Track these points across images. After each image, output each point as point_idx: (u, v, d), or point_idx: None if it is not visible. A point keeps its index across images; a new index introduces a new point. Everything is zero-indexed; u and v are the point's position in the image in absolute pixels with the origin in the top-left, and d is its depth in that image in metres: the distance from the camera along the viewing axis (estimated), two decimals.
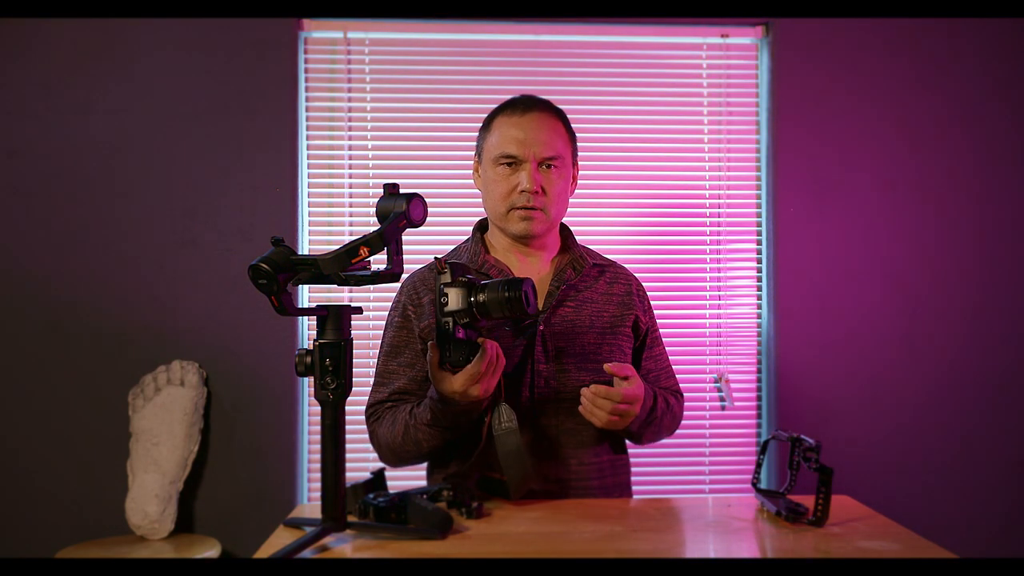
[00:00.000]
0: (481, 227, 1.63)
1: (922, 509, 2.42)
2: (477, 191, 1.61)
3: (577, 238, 1.67)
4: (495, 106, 1.58)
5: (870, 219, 2.44)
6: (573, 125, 1.59)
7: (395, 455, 1.50)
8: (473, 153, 1.62)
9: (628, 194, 2.46)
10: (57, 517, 2.30)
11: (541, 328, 1.50)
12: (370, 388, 1.58)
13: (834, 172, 2.43)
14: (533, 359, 1.49)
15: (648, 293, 1.67)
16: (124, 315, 2.31)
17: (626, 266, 1.69)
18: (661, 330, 1.70)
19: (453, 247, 1.67)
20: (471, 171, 1.65)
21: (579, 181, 1.63)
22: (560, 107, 1.59)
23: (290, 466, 2.34)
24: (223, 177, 2.34)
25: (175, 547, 2.12)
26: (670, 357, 1.69)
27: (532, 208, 1.50)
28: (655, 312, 1.69)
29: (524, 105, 1.54)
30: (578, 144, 1.62)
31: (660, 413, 1.52)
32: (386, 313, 1.64)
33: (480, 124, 1.60)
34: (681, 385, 1.69)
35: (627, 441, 1.61)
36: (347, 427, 1.18)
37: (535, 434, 1.48)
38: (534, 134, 1.50)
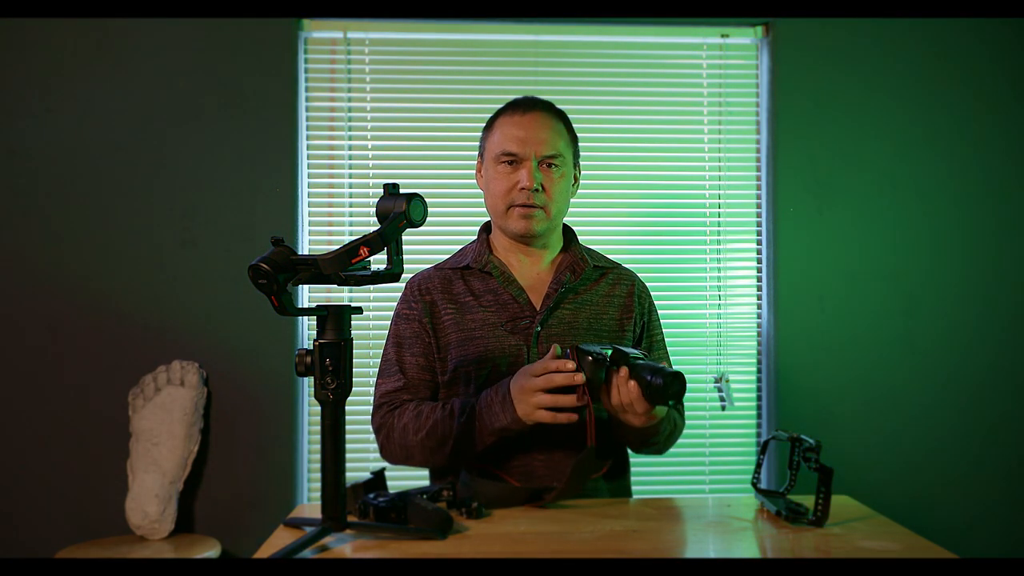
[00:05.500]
0: (487, 228, 1.64)
1: (922, 509, 2.42)
2: (477, 191, 1.62)
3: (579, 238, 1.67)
4: (495, 106, 1.60)
5: (870, 219, 2.44)
6: (574, 125, 1.60)
7: (406, 451, 1.47)
8: (476, 153, 1.63)
9: (628, 194, 2.46)
10: (57, 517, 2.30)
11: (538, 329, 1.50)
12: (375, 379, 1.57)
13: (834, 172, 2.43)
14: (528, 359, 1.48)
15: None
16: (124, 315, 2.31)
17: (628, 267, 1.69)
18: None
19: (459, 248, 1.67)
20: (472, 171, 1.66)
21: (580, 181, 1.64)
22: (562, 108, 1.60)
23: (290, 466, 2.34)
24: (223, 177, 2.34)
25: (175, 547, 2.13)
26: (671, 357, 1.68)
27: (532, 206, 1.50)
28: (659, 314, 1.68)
29: (525, 105, 1.55)
30: (579, 144, 1.62)
31: (672, 424, 1.51)
32: (385, 312, 1.64)
33: (481, 124, 1.61)
34: None
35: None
36: (347, 427, 1.18)
37: (533, 436, 1.47)
38: (535, 132, 1.51)
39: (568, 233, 1.64)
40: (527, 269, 1.58)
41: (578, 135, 1.62)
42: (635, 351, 1.32)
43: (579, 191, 2.33)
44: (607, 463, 1.52)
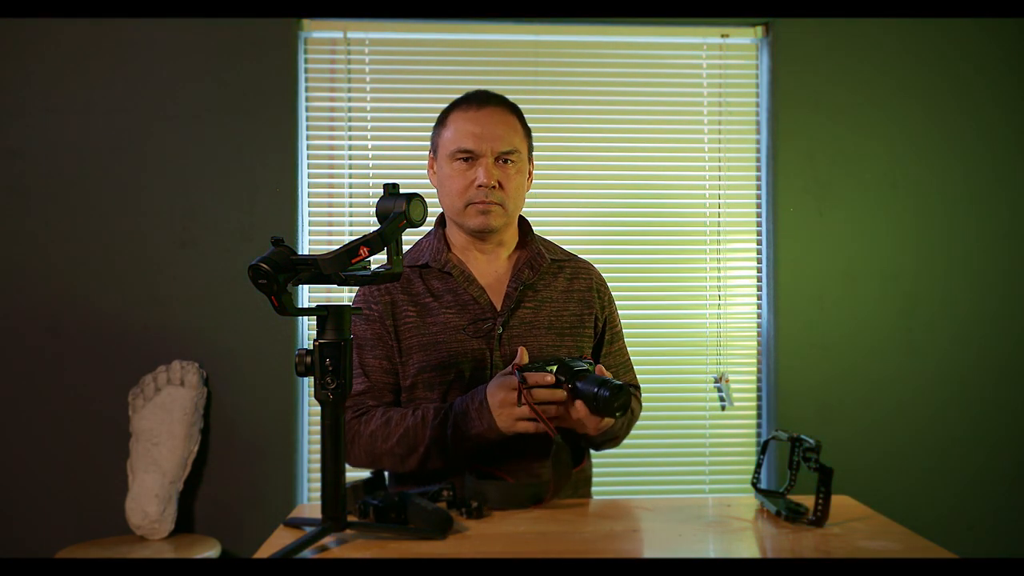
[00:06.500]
0: (443, 222, 1.60)
1: (922, 509, 2.42)
2: None
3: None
4: None
5: (870, 219, 2.44)
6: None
7: (372, 457, 1.45)
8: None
9: (628, 194, 2.45)
10: (57, 517, 2.30)
11: (500, 331, 1.48)
12: None
13: (834, 172, 2.43)
14: (491, 362, 1.46)
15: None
16: (124, 315, 2.31)
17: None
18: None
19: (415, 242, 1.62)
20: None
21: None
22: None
23: (290, 466, 2.34)
24: (223, 177, 2.34)
25: (175, 547, 2.13)
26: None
27: (490, 203, 1.48)
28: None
29: (480, 100, 1.52)
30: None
31: (618, 425, 1.48)
32: None
33: None
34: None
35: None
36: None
37: (528, 442, 1.45)
38: (491, 129, 1.48)
39: (524, 226, 1.60)
40: (485, 267, 1.54)
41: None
42: (579, 363, 1.34)
43: (580, 191, 2.35)
44: (584, 459, 1.51)
